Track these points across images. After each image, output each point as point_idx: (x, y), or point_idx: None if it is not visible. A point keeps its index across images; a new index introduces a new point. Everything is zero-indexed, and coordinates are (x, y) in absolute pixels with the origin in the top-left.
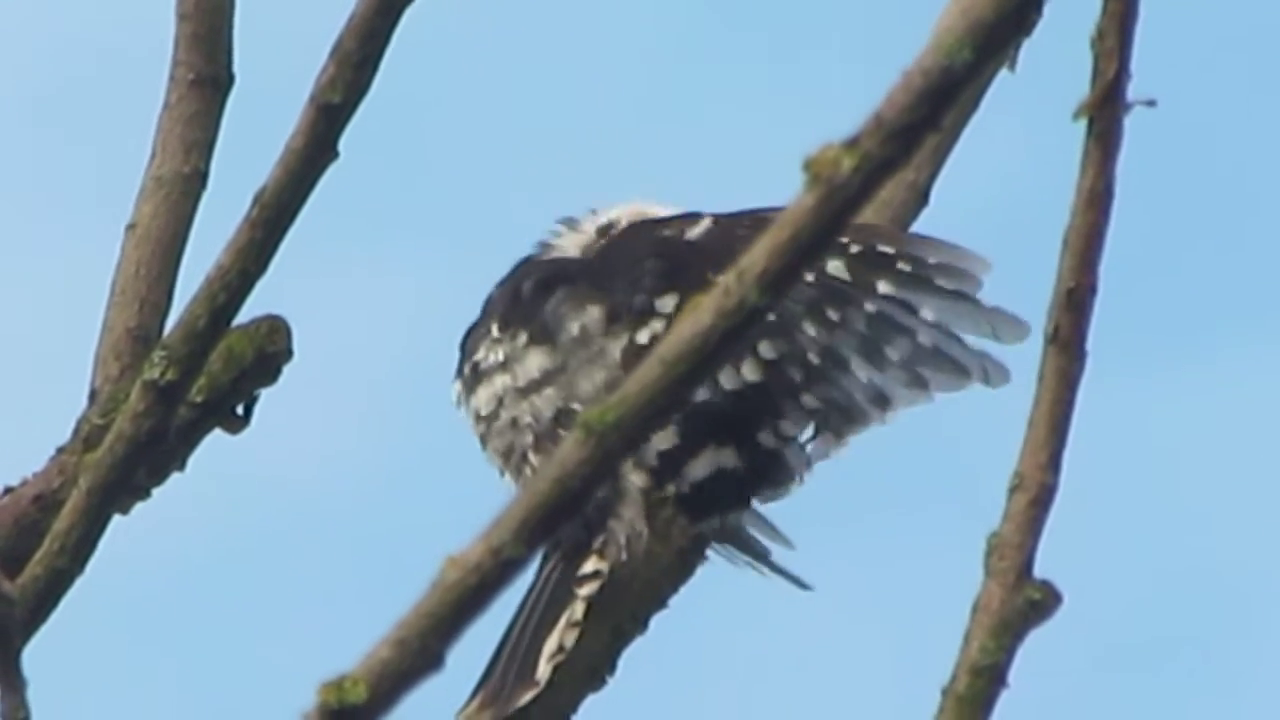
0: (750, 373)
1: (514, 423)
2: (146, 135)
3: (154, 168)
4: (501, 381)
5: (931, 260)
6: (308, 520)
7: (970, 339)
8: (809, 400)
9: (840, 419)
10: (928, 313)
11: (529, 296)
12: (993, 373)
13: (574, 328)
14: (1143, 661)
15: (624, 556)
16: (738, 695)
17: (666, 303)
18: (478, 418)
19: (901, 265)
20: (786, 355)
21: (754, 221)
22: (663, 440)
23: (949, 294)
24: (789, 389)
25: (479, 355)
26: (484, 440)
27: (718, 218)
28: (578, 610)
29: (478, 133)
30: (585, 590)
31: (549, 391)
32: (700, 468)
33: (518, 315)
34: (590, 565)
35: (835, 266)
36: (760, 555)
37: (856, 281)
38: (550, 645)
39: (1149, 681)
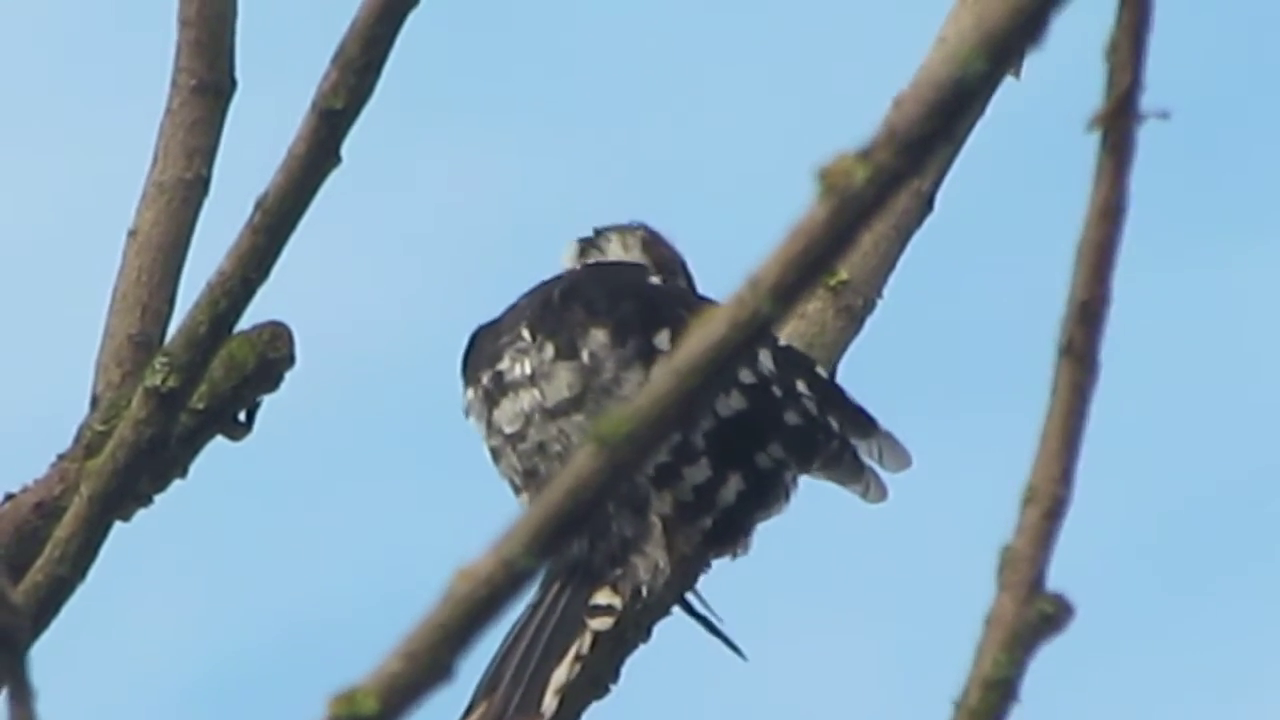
0: (737, 400)
1: (541, 447)
2: (148, 141)
3: (156, 174)
4: (529, 399)
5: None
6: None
7: (863, 452)
8: (791, 418)
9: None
10: (833, 421)
11: (559, 303)
12: (874, 489)
13: (588, 349)
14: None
15: (644, 593)
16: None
17: (663, 339)
18: (500, 435)
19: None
20: (762, 380)
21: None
22: (697, 474)
23: (850, 412)
24: (773, 410)
25: (504, 364)
26: (497, 455)
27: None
28: (586, 643)
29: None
30: (597, 623)
31: (579, 418)
32: (728, 495)
33: (548, 323)
34: (604, 598)
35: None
36: (705, 621)
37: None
38: (558, 678)
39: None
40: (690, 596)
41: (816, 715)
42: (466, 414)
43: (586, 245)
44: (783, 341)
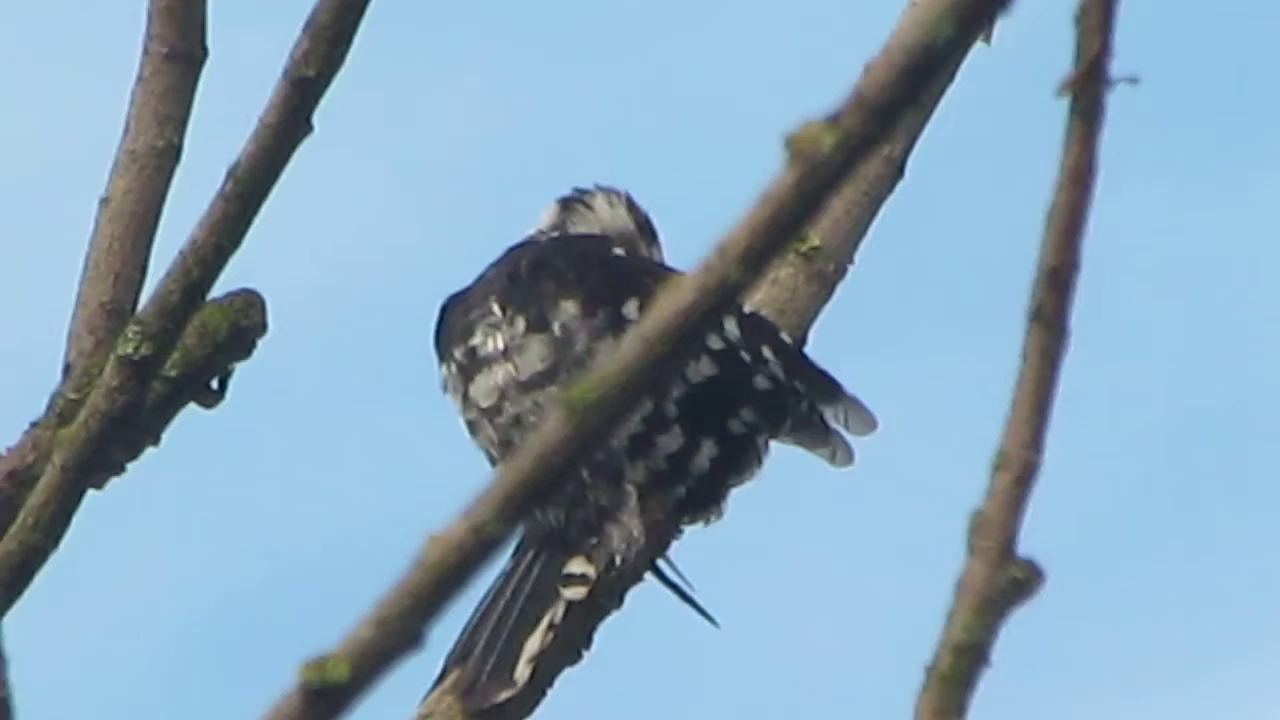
0: (707, 366)
1: (517, 420)
2: (120, 109)
3: (128, 142)
4: (503, 373)
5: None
6: None
7: (829, 417)
8: (761, 382)
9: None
10: (799, 384)
11: (527, 276)
12: (841, 453)
13: (559, 321)
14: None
15: (618, 562)
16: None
17: (632, 308)
18: (476, 408)
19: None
20: (730, 345)
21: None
22: (670, 442)
23: (816, 377)
24: (742, 376)
25: (476, 340)
26: (475, 428)
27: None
28: (559, 612)
29: None
30: (570, 592)
31: (552, 390)
32: (702, 463)
33: (517, 296)
34: (578, 567)
35: (728, 320)
36: (677, 589)
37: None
38: (531, 646)
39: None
40: (662, 564)
41: (787, 680)
42: (443, 389)
43: (571, 203)
44: (749, 308)
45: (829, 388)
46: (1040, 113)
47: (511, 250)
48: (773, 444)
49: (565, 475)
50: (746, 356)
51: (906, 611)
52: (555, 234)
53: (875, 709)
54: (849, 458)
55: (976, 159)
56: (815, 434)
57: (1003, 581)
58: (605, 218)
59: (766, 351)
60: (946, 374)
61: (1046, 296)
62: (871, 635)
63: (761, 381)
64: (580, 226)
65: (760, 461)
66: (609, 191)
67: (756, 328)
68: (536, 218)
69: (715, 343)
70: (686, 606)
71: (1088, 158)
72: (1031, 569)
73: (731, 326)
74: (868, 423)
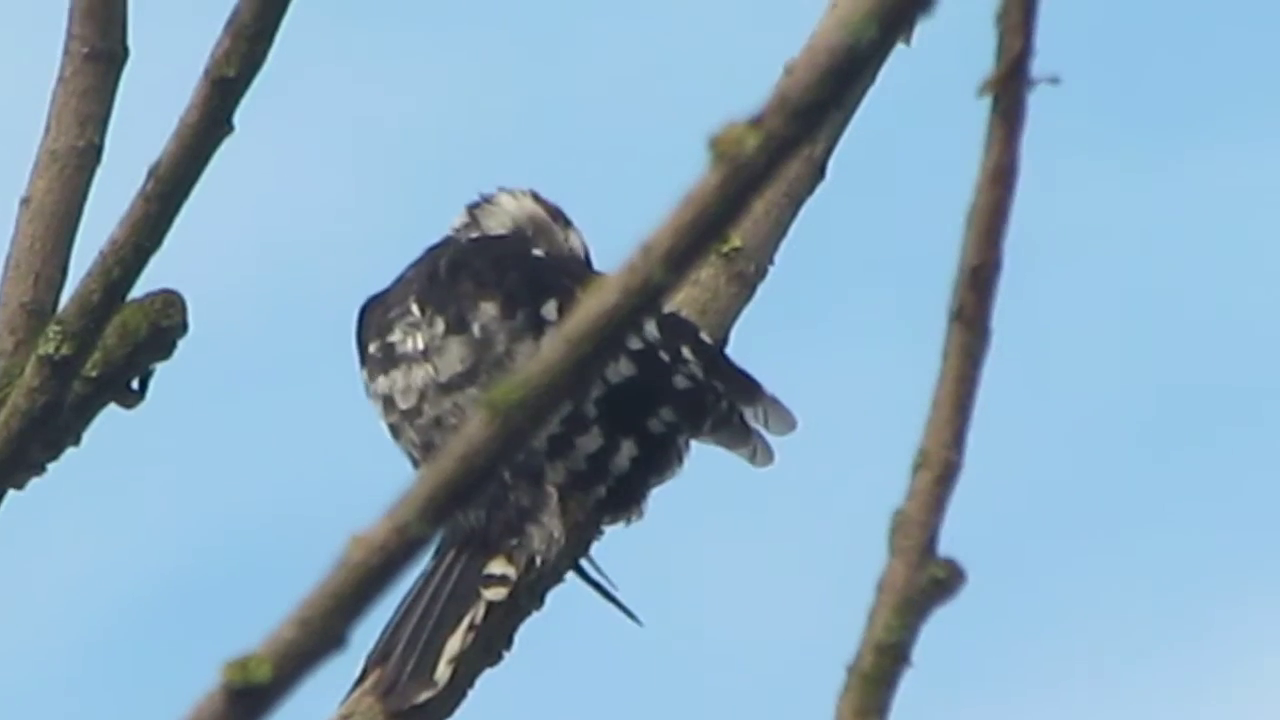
0: (626, 366)
1: (438, 421)
2: (40, 109)
3: (48, 142)
4: (422, 374)
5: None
6: None
7: (749, 416)
8: (680, 381)
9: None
10: (719, 384)
11: (445, 276)
12: (760, 454)
13: (478, 322)
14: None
15: (538, 562)
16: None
17: (550, 309)
18: (394, 409)
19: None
20: (649, 345)
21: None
22: (589, 443)
23: (735, 376)
24: (661, 375)
25: (394, 337)
26: (397, 431)
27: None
28: (480, 613)
29: None
30: (491, 593)
31: (473, 391)
32: (622, 463)
33: (435, 296)
34: (499, 567)
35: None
36: (600, 587)
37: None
38: (451, 647)
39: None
40: (585, 563)
41: (708, 680)
42: (366, 393)
43: (478, 205)
44: (669, 308)
45: (748, 387)
46: (962, 113)
47: (430, 250)
48: (693, 443)
49: (488, 476)
50: (665, 356)
51: (828, 611)
52: (474, 235)
53: (797, 708)
54: (769, 457)
55: (898, 160)
56: (735, 433)
57: (924, 581)
58: (514, 210)
59: (686, 351)
60: (868, 374)
61: (967, 296)
62: (793, 635)
63: (681, 381)
64: (491, 223)
65: (681, 460)
66: (513, 190)
67: (676, 328)
68: (449, 222)
69: (634, 343)
70: (609, 605)
71: (1009, 157)
72: (952, 568)
73: (650, 327)
74: (787, 422)
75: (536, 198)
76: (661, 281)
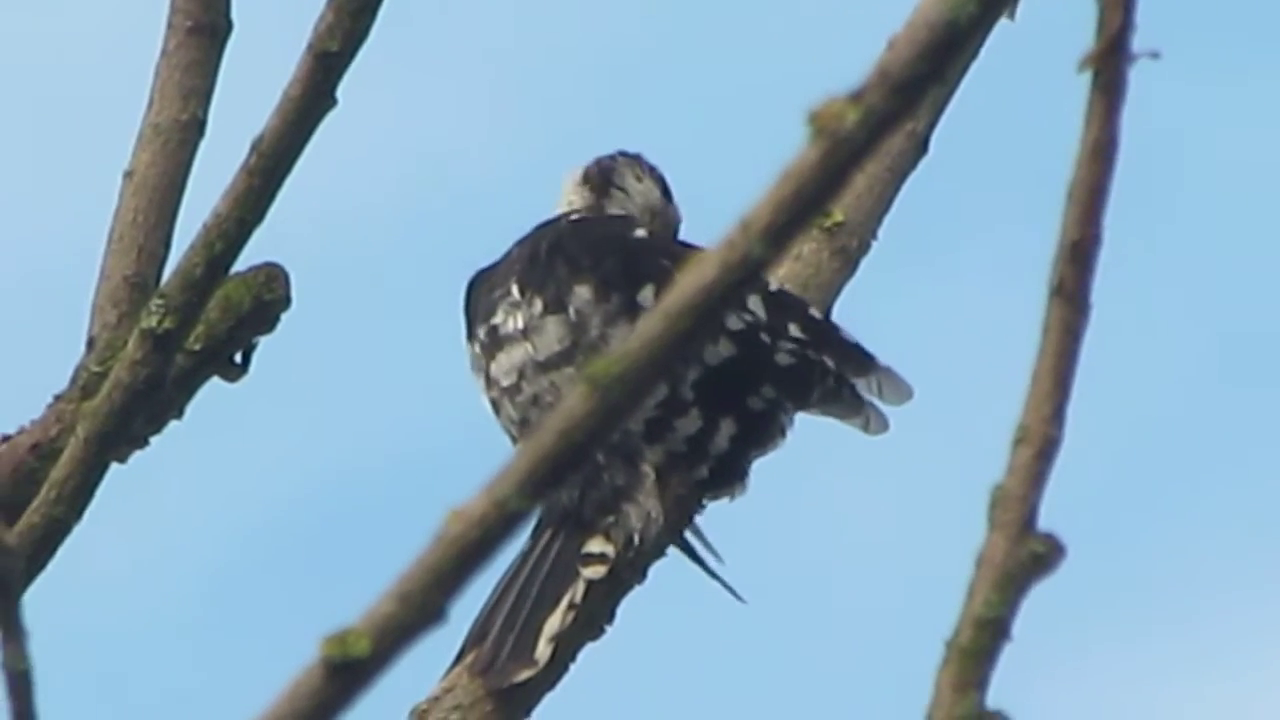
0: (725, 347)
1: (535, 399)
2: (144, 83)
3: (152, 115)
4: (523, 352)
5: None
6: None
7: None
8: (783, 358)
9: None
10: (829, 360)
11: (545, 259)
12: (874, 422)
13: (573, 305)
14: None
15: (636, 541)
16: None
17: (647, 295)
18: (498, 387)
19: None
20: (750, 326)
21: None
22: (688, 425)
23: (847, 349)
24: (762, 355)
25: (498, 319)
26: (497, 407)
27: (651, 231)
28: (579, 591)
29: None
30: (590, 572)
31: (569, 370)
32: (721, 442)
33: (535, 278)
34: (597, 546)
35: (752, 300)
36: (703, 564)
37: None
38: (551, 626)
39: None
40: (690, 538)
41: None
42: (471, 368)
43: (603, 186)
44: (775, 285)
45: (861, 359)
46: (1062, 88)
47: (539, 228)
48: (800, 415)
49: (587, 450)
50: (766, 338)
51: (928, 586)
52: (582, 214)
53: (896, 682)
54: (884, 426)
55: (999, 134)
56: (846, 405)
57: (1023, 556)
58: (636, 196)
59: (794, 329)
60: (969, 348)
61: (1067, 270)
62: (892, 609)
63: (784, 358)
64: (613, 208)
65: (784, 434)
66: (633, 163)
67: (784, 305)
68: (560, 189)
69: (734, 323)
70: (713, 582)
71: (1109, 132)
72: (1052, 543)
73: (756, 305)
74: (903, 391)
75: (651, 172)
76: (760, 257)
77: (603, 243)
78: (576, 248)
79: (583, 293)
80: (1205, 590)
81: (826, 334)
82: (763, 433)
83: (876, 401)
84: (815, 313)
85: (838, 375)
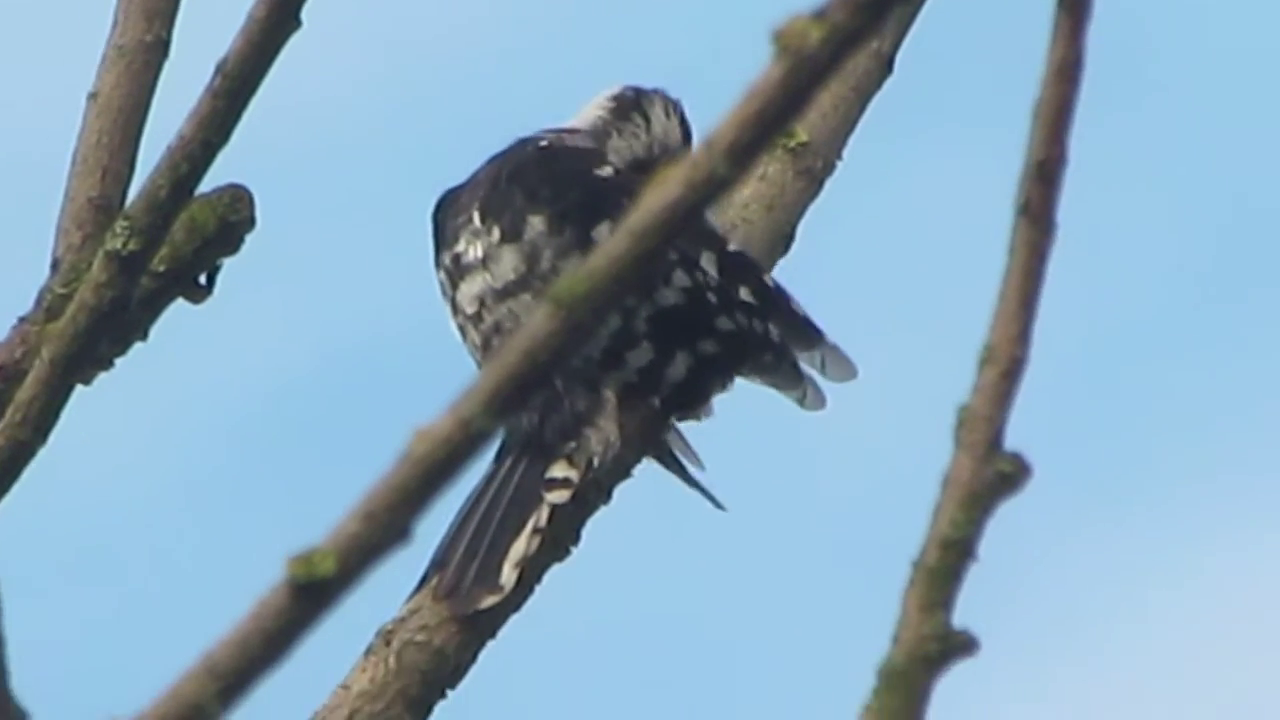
0: (675, 295)
1: (497, 327)
2: (108, 4)
3: (116, 36)
4: (482, 280)
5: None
6: None
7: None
8: (724, 323)
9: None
10: (774, 330)
11: (504, 186)
12: (812, 398)
13: (527, 235)
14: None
15: (596, 464)
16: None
17: (603, 231)
18: (463, 314)
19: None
20: (697, 285)
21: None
22: (639, 357)
23: (795, 321)
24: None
25: (460, 247)
26: (464, 332)
27: (618, 169)
28: (544, 516)
29: None
30: (554, 496)
31: (526, 297)
32: (679, 369)
33: (494, 205)
34: (560, 470)
35: (707, 258)
36: (683, 472)
37: (725, 282)
38: (516, 551)
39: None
40: (673, 444)
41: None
42: (442, 295)
43: (630, 113)
44: (736, 246)
45: (808, 333)
46: (1028, 7)
47: (509, 148)
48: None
49: (552, 369)
50: (713, 298)
51: (893, 505)
52: (558, 137)
53: (862, 601)
54: (821, 402)
55: (964, 54)
56: (785, 377)
57: (990, 476)
58: (656, 127)
59: (745, 293)
60: (933, 269)
61: (1034, 190)
62: (858, 532)
63: (724, 323)
64: (625, 135)
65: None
66: (667, 101)
67: (739, 267)
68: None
69: (682, 280)
70: (692, 490)
71: (1075, 52)
72: (1018, 463)
73: (709, 263)
74: (847, 370)
75: (682, 119)
76: (725, 175)
77: (565, 176)
78: (537, 178)
79: (536, 223)
80: (1170, 489)
81: (776, 303)
82: (723, 367)
83: (818, 377)
84: (769, 279)
85: (777, 350)
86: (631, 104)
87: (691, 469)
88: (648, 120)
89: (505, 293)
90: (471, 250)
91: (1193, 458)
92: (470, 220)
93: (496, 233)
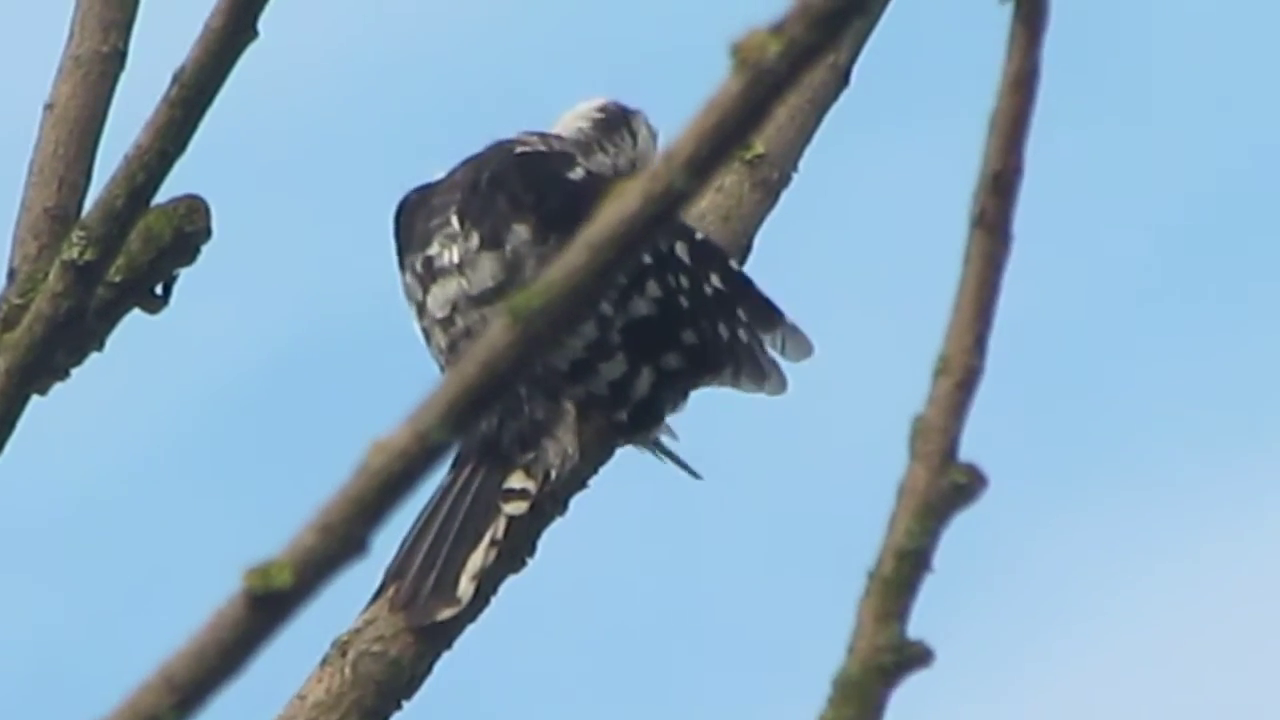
0: (647, 306)
1: (468, 332)
2: (64, 14)
3: (72, 47)
4: (457, 285)
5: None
6: None
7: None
8: (688, 337)
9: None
10: (742, 313)
11: (485, 190)
12: (774, 383)
13: (510, 243)
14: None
15: (553, 476)
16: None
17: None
18: (431, 318)
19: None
20: (668, 292)
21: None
22: (612, 370)
23: (756, 300)
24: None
25: (433, 250)
26: (428, 336)
27: (589, 171)
28: (501, 528)
29: None
30: (511, 508)
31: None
32: (644, 385)
33: (474, 210)
34: (518, 481)
35: (680, 248)
36: (658, 445)
37: (695, 268)
38: (473, 563)
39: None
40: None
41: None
42: (407, 299)
43: (616, 127)
44: (699, 233)
45: (769, 314)
46: (984, 19)
47: (483, 152)
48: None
49: (510, 382)
50: (684, 302)
51: (849, 516)
52: (537, 144)
53: (818, 612)
54: (782, 385)
55: (921, 66)
56: (746, 382)
57: (945, 486)
58: (641, 143)
59: (715, 278)
60: (891, 280)
61: (989, 201)
62: (814, 539)
63: (689, 336)
64: (607, 147)
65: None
66: (646, 121)
67: (707, 254)
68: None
69: (654, 290)
70: (668, 461)
71: (1030, 63)
72: (973, 473)
73: (682, 251)
74: (805, 349)
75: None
76: (683, 188)
77: (547, 181)
78: (520, 183)
79: (521, 231)
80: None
81: (740, 286)
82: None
83: (779, 359)
84: (734, 265)
85: (739, 356)
86: (620, 119)
87: (666, 440)
88: (634, 138)
89: (481, 299)
90: (447, 254)
91: (1149, 462)
92: (446, 223)
93: (476, 238)
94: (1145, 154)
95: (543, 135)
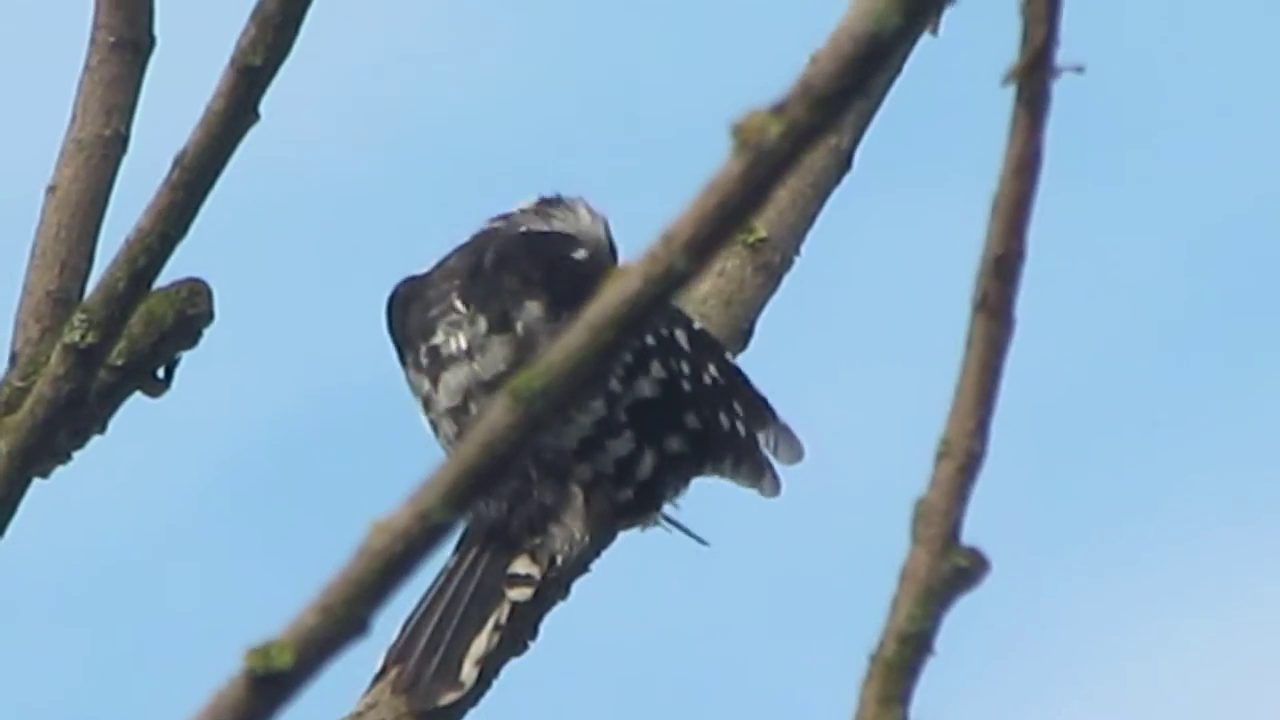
0: (659, 370)
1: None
2: (67, 98)
3: (74, 130)
4: (468, 371)
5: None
6: None
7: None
8: (691, 420)
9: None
10: (738, 407)
11: (490, 272)
12: (768, 485)
13: (522, 321)
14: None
15: (560, 562)
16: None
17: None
18: (439, 409)
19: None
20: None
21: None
22: (620, 448)
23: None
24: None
25: (438, 339)
26: (436, 427)
27: (592, 252)
28: (504, 613)
29: None
30: (515, 593)
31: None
32: (648, 466)
33: (478, 293)
34: (523, 567)
35: (680, 335)
36: (663, 515)
37: (694, 356)
38: (477, 648)
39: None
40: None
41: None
42: (414, 394)
43: (555, 202)
44: (698, 324)
45: (763, 413)
46: (987, 102)
47: (477, 237)
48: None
49: (511, 463)
50: (687, 386)
51: (851, 601)
52: (522, 228)
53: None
54: (776, 489)
55: (923, 150)
56: (745, 475)
57: (946, 570)
58: (586, 224)
59: (712, 369)
60: (893, 364)
61: (991, 285)
62: (817, 625)
63: (692, 420)
64: (557, 224)
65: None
66: (590, 204)
67: (705, 344)
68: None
69: (659, 372)
70: (674, 530)
71: (1033, 147)
72: (975, 557)
73: (683, 338)
74: (796, 451)
75: (607, 227)
76: (683, 270)
77: (552, 260)
78: (527, 263)
79: (534, 309)
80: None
81: (735, 380)
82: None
83: (773, 460)
84: (729, 357)
85: (740, 447)
86: (555, 199)
87: (670, 510)
88: (574, 214)
89: (493, 385)
90: (453, 341)
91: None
92: (450, 310)
93: (483, 322)
94: (1142, 225)
95: (517, 216)
